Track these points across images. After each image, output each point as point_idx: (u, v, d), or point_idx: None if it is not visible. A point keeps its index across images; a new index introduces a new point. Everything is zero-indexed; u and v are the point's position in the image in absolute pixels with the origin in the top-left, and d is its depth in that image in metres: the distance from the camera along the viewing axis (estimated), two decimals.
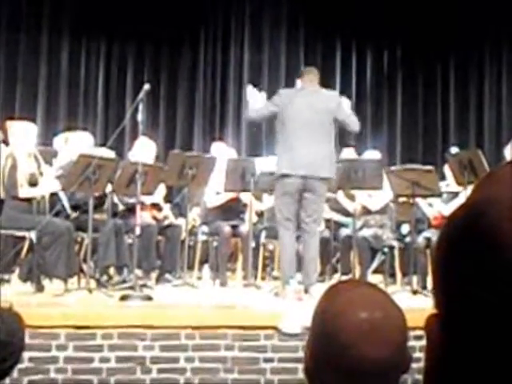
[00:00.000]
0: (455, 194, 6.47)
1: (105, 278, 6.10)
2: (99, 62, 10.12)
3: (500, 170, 0.59)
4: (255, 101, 5.83)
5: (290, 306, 4.99)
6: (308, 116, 5.58)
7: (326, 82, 9.53)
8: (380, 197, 6.73)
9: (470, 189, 6.21)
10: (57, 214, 5.75)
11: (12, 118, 8.00)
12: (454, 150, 7.74)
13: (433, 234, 6.32)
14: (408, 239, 6.64)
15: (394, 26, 9.97)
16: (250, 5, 10.18)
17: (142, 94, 5.65)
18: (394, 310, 1.19)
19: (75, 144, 6.40)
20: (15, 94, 9.77)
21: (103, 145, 7.56)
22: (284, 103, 5.65)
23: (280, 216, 5.68)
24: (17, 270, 5.94)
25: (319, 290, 5.39)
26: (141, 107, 5.66)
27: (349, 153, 7.51)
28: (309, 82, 5.84)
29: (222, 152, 7.17)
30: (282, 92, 5.89)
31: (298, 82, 5.98)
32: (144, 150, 6.50)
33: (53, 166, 6.19)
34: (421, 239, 6.34)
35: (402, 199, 6.74)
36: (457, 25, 9.71)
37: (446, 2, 9.53)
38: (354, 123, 5.78)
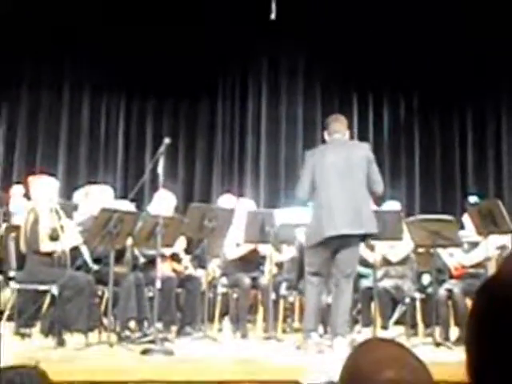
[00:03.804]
0: (475, 244, 6.44)
1: (126, 331, 6.08)
2: (119, 116, 10.30)
3: None
4: None
5: (311, 360, 4.94)
6: (342, 172, 5.33)
7: None
8: (401, 247, 6.71)
9: (490, 238, 6.19)
10: (78, 268, 5.79)
11: (33, 173, 8.15)
12: (472, 199, 7.72)
13: (454, 285, 6.27)
14: (429, 290, 6.58)
15: (410, 75, 10.06)
16: (267, 57, 10.36)
17: (162, 148, 5.73)
18: (421, 369, 1.20)
19: (96, 198, 6.47)
20: (36, 148, 9.95)
21: (123, 198, 7.65)
22: (314, 167, 5.39)
23: (308, 269, 5.56)
24: (38, 325, 5.94)
25: (341, 343, 5.35)
26: (161, 160, 5.73)
27: None
28: (336, 132, 5.52)
29: (232, 203, 7.23)
30: (308, 156, 5.57)
31: (325, 135, 5.67)
32: (164, 203, 6.54)
33: (73, 219, 6.26)
34: (442, 291, 6.28)
35: (422, 249, 6.71)
36: (473, 73, 9.78)
37: (462, 50, 9.62)
38: (379, 183, 5.53)
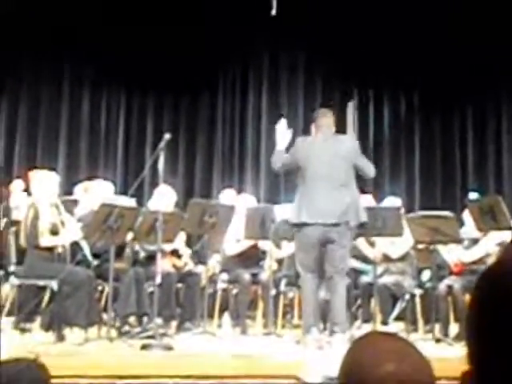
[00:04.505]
0: (475, 241, 6.44)
1: (125, 327, 6.09)
2: (119, 111, 10.30)
3: None
4: (282, 141, 5.81)
5: (311, 355, 4.95)
6: (328, 164, 5.52)
7: (343, 129, 9.66)
8: (401, 244, 6.71)
9: (490, 235, 6.19)
10: (78, 263, 5.79)
11: (34, 168, 8.13)
12: (472, 195, 7.71)
13: (454, 282, 6.27)
14: (429, 286, 6.58)
15: (410, 72, 10.04)
16: (268, 53, 10.34)
17: (162, 144, 5.73)
18: (422, 363, 1.20)
19: (96, 193, 6.47)
20: (37, 144, 9.94)
21: (124, 193, 7.65)
22: (302, 154, 5.61)
23: (301, 268, 5.60)
24: (38, 320, 5.94)
25: (340, 338, 5.35)
26: (161, 156, 5.73)
27: (367, 199, 7.51)
28: (324, 126, 5.73)
29: (233, 199, 7.24)
30: (298, 142, 5.78)
31: (313, 128, 5.86)
32: (164, 198, 6.54)
33: (74, 214, 6.26)
34: (442, 286, 6.28)
35: (422, 246, 6.71)
36: (474, 72, 9.77)
37: (463, 49, 9.60)
38: (370, 168, 5.74)
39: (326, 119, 5.78)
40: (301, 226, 5.52)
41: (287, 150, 5.82)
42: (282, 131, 5.88)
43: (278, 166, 5.80)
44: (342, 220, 5.44)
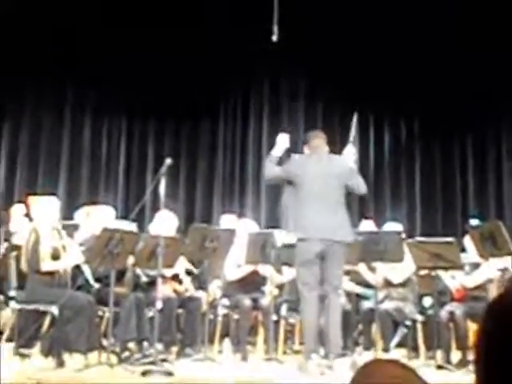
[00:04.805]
0: (476, 266, 6.42)
1: (126, 352, 6.05)
2: (121, 137, 10.34)
3: None
4: (279, 148, 5.92)
5: (312, 381, 4.92)
6: (321, 183, 5.63)
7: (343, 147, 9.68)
8: (402, 269, 6.69)
9: (491, 260, 6.17)
10: (79, 288, 5.77)
11: (34, 193, 8.15)
12: (473, 221, 7.72)
13: (456, 308, 6.24)
14: (431, 312, 6.56)
15: (411, 99, 10.10)
16: (269, 79, 10.40)
17: (164, 169, 5.75)
18: None
19: (97, 217, 6.47)
20: (38, 169, 9.97)
21: (125, 218, 7.65)
22: (296, 172, 5.71)
23: (302, 286, 5.61)
24: (38, 345, 5.91)
25: (341, 364, 5.33)
26: (162, 181, 5.75)
27: (368, 225, 7.52)
28: (317, 147, 5.86)
29: (233, 224, 7.24)
30: (294, 159, 5.90)
31: (305, 150, 5.95)
32: (165, 223, 6.54)
33: (74, 239, 6.25)
34: (444, 313, 6.25)
35: (423, 272, 6.69)
36: (474, 98, 9.82)
37: (463, 77, 9.66)
38: (361, 185, 5.86)
39: (318, 140, 5.91)
40: (301, 240, 5.57)
41: (279, 163, 5.89)
42: (282, 141, 5.95)
43: (269, 176, 5.91)
44: (338, 238, 5.54)
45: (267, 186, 9.97)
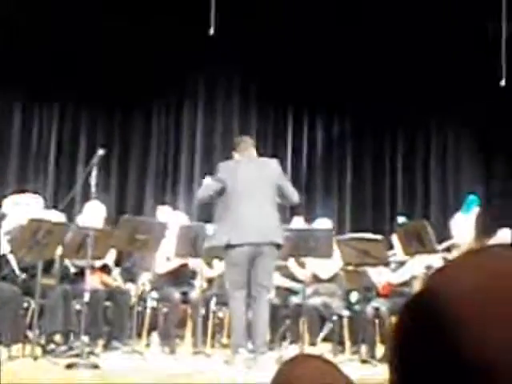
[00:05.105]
0: (402, 263, 6.58)
1: (51, 345, 5.96)
2: (52, 125, 10.13)
3: (458, 259, 0.63)
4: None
5: (239, 375, 4.95)
6: (252, 186, 5.65)
7: (277, 151, 9.77)
8: (330, 264, 6.80)
9: (417, 258, 6.34)
10: (3, 278, 5.65)
11: None
12: (401, 219, 7.88)
13: (381, 304, 6.39)
14: (357, 307, 6.69)
15: (344, 98, 10.26)
16: (204, 73, 10.37)
17: (96, 159, 5.69)
18: None
19: (25, 207, 6.34)
20: None
21: (54, 207, 7.51)
22: (227, 175, 5.72)
23: (230, 286, 5.67)
24: None
25: (268, 358, 5.38)
26: (94, 171, 5.68)
27: (298, 221, 7.59)
28: (246, 151, 5.93)
29: (169, 216, 7.21)
30: (222, 166, 5.91)
31: (235, 154, 6.01)
32: (94, 214, 6.47)
33: (1, 228, 6.11)
34: (369, 309, 6.39)
35: (350, 267, 6.82)
36: (405, 99, 10.05)
37: (396, 79, 9.85)
38: (293, 192, 5.89)
39: (245, 144, 6.00)
40: (231, 246, 5.57)
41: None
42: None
43: (207, 195, 5.87)
44: (270, 239, 5.58)
45: (200, 182, 9.99)
